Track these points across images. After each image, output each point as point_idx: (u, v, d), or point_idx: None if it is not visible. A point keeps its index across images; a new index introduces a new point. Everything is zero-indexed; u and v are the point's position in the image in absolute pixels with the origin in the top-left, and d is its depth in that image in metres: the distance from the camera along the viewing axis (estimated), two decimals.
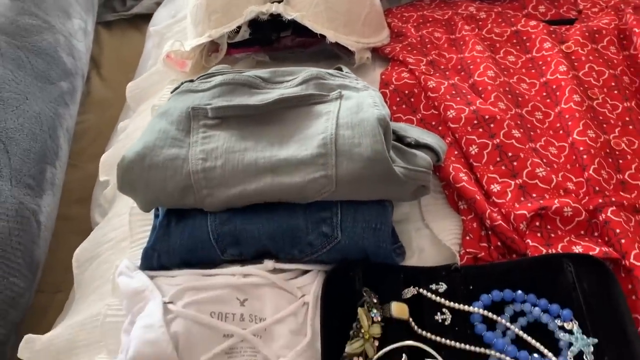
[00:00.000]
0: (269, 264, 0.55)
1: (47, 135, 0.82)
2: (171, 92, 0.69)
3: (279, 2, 0.78)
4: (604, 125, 0.71)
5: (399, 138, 0.62)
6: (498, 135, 0.67)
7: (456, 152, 0.67)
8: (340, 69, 0.74)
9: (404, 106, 0.74)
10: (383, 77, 0.78)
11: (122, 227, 0.68)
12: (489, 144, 0.66)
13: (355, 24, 0.79)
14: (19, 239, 0.71)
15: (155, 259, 0.56)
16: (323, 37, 0.77)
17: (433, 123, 0.72)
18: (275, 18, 0.78)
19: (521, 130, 0.70)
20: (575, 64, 0.78)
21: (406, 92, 0.75)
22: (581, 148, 0.67)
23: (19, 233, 0.72)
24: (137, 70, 1.05)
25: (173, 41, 0.83)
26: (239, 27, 0.79)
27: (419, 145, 0.61)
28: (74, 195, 0.98)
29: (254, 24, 0.79)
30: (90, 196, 0.91)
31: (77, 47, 1.01)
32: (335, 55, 0.81)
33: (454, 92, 0.72)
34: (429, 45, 0.82)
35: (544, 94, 0.75)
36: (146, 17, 1.25)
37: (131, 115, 0.91)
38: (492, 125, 0.68)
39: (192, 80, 0.70)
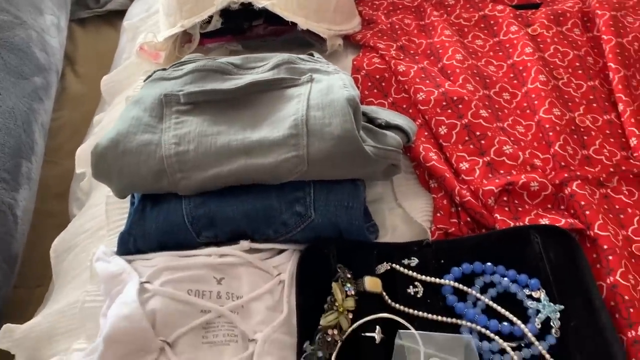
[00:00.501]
0: (245, 244, 0.56)
1: (22, 130, 0.82)
2: (144, 81, 0.69)
3: None
4: (569, 104, 0.73)
5: (370, 120, 0.63)
6: (466, 116, 0.69)
7: (426, 133, 0.69)
8: (312, 55, 0.75)
9: (375, 90, 0.75)
10: (355, 62, 0.79)
11: (99, 216, 0.68)
12: (458, 124, 0.68)
13: (326, 11, 0.80)
14: None
15: (132, 244, 0.57)
16: (295, 24, 0.78)
17: (404, 106, 0.73)
18: (247, 7, 0.79)
19: (489, 110, 0.71)
20: (541, 45, 0.80)
21: (377, 76, 0.76)
22: (547, 126, 0.69)
23: None
24: (112, 66, 1.05)
25: (146, 33, 0.84)
26: (211, 17, 0.79)
27: (389, 126, 0.63)
28: (52, 191, 0.98)
29: (226, 13, 0.80)
30: (68, 191, 0.91)
31: (50, 43, 1.01)
32: (307, 43, 0.83)
33: (423, 75, 0.74)
34: (399, 32, 0.84)
35: (511, 75, 0.77)
36: (120, 14, 1.24)
37: (107, 109, 0.91)
38: (460, 106, 0.69)
39: (164, 69, 0.70)
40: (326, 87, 0.60)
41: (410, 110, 0.73)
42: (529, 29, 0.82)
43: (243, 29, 0.81)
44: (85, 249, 0.66)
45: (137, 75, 0.86)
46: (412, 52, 0.80)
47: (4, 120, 0.79)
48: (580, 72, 0.77)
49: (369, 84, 0.76)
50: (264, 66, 0.67)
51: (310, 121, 0.56)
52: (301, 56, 0.68)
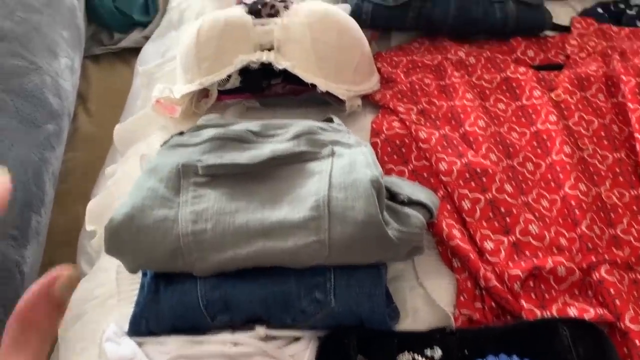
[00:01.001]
0: (261, 330, 0.54)
1: (32, 182, 0.80)
2: (160, 145, 0.68)
3: (270, 50, 0.78)
4: (595, 177, 0.71)
5: (392, 195, 0.61)
6: (490, 190, 0.67)
7: (449, 207, 0.67)
8: (331, 120, 0.73)
9: (395, 156, 0.74)
10: (374, 126, 0.77)
11: (109, 283, 0.66)
12: (482, 199, 0.66)
13: (346, 72, 0.78)
14: (1, 294, 0.69)
15: (144, 325, 0.55)
16: (314, 85, 0.76)
17: (425, 174, 0.72)
18: (266, 66, 0.78)
19: (513, 183, 0.70)
20: (565, 112, 0.78)
21: (397, 142, 0.74)
22: (573, 202, 0.67)
23: (1, 287, 0.69)
24: (124, 109, 1.04)
25: (163, 87, 0.83)
26: (230, 75, 0.78)
27: (411, 203, 0.61)
28: (59, 239, 0.96)
29: (245, 70, 0.79)
30: (76, 240, 0.89)
31: (63, 87, 1.00)
32: (325, 101, 0.81)
33: (445, 143, 0.72)
34: (419, 92, 0.82)
35: (535, 143, 0.76)
36: (134, 51, 1.24)
37: (119, 158, 0.90)
38: (484, 179, 0.67)
39: (181, 133, 0.69)
40: (348, 164, 0.58)
41: (432, 180, 0.71)
42: (552, 93, 0.81)
43: (262, 87, 0.80)
44: (93, 319, 0.64)
45: (152, 127, 0.85)
46: (432, 116, 0.78)
47: (15, 174, 0.77)
48: (605, 142, 0.75)
49: (389, 149, 0.74)
50: (284, 135, 0.65)
51: (332, 203, 0.54)
52: (321, 125, 0.66)
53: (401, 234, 0.55)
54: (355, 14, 0.90)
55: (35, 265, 0.82)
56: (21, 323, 0.27)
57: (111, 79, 1.27)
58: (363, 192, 0.54)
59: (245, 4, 0.85)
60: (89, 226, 0.76)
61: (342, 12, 0.81)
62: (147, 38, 1.25)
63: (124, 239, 0.55)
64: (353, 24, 0.81)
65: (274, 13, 0.83)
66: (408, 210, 0.59)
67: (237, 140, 0.64)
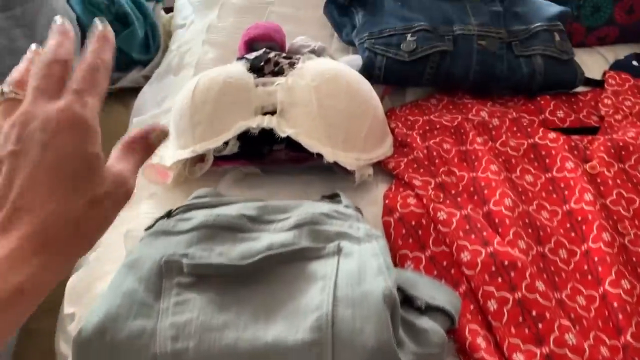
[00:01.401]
0: None
1: None
2: (145, 230, 0.60)
3: (272, 114, 0.70)
4: (639, 270, 0.62)
5: (407, 299, 0.53)
6: (520, 288, 0.58)
7: (472, 307, 0.58)
8: (338, 196, 0.66)
9: (410, 240, 0.65)
10: (387, 202, 0.69)
11: None
12: (510, 299, 0.57)
13: (355, 139, 0.70)
14: None
15: None
16: (319, 154, 0.69)
17: (445, 263, 0.63)
18: (268, 130, 0.70)
19: (545, 276, 0.61)
20: (602, 188, 0.70)
21: (413, 223, 0.66)
22: (615, 304, 0.58)
23: None
24: None
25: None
26: (227, 141, 0.70)
27: (429, 309, 0.53)
28: (43, 306, 0.88)
29: (244, 134, 0.71)
30: (57, 310, 0.81)
31: None
32: (332, 168, 0.73)
33: (467, 227, 0.64)
34: (437, 160, 0.74)
35: (568, 225, 0.67)
36: (134, 91, 1.17)
37: None
38: (512, 274, 0.59)
39: (169, 213, 0.61)
40: (357, 271, 0.50)
41: (453, 271, 0.62)
42: (586, 165, 0.72)
43: (262, 153, 0.72)
44: None
45: (141, 195, 0.77)
46: (453, 191, 0.70)
47: None
48: None
49: (403, 231, 0.66)
50: (284, 222, 0.57)
51: (337, 323, 0.46)
52: (327, 210, 0.58)
53: (418, 358, 0.47)
54: (368, 69, 0.82)
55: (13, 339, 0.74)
56: (124, 147, 0.36)
57: (107, 123, 1.18)
58: (374, 310, 0.46)
59: (246, 59, 0.78)
60: (67, 308, 0.69)
61: (352, 72, 0.74)
62: (147, 77, 1.19)
63: (94, 354, 0.47)
64: (364, 84, 0.74)
65: (278, 71, 0.76)
66: (425, 323, 0.51)
67: (229, 229, 0.56)
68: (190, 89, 0.72)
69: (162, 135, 0.37)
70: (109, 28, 0.37)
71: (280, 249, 0.53)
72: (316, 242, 0.54)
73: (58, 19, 0.36)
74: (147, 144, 0.37)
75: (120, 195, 0.33)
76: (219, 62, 0.94)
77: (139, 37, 1.23)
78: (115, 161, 0.35)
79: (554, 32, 0.85)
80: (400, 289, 0.53)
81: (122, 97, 1.25)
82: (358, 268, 0.50)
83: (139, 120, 0.92)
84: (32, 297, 0.29)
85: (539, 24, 0.86)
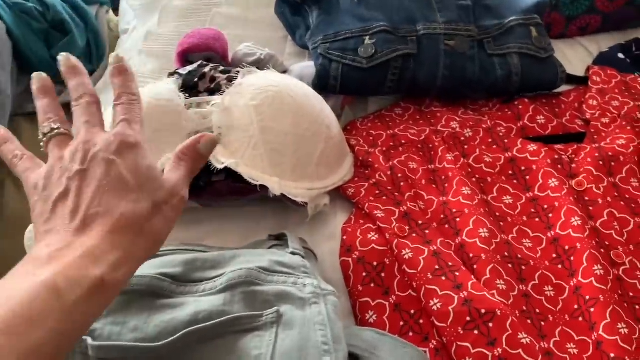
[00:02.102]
0: None
1: None
2: None
3: None
4: (637, 307, 0.54)
5: None
6: (500, 342, 0.49)
7: None
8: (284, 237, 0.56)
9: (372, 285, 0.56)
10: (345, 237, 0.60)
11: None
12: (489, 357, 0.48)
13: (306, 166, 0.61)
14: None
15: None
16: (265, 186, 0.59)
17: (412, 312, 0.54)
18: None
19: (529, 322, 0.52)
20: (591, 208, 0.61)
21: (375, 263, 0.57)
22: (612, 355, 0.49)
23: None
24: None
25: None
26: None
27: None
28: None
29: None
30: None
31: None
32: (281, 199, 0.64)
33: (437, 266, 0.55)
34: (402, 183, 0.65)
35: (554, 255, 0.58)
36: None
37: None
38: (490, 325, 0.50)
39: None
40: (298, 348, 0.41)
41: (422, 321, 0.53)
42: (572, 181, 0.63)
43: (200, 186, 0.62)
44: None
45: None
46: (420, 221, 0.60)
47: None
48: None
49: (364, 274, 0.56)
50: (215, 281, 0.48)
51: None
52: (267, 264, 0.48)
53: None
54: (322, 78, 0.72)
55: None
56: (176, 158, 0.41)
57: None
58: None
59: (179, 74, 0.68)
60: None
61: (300, 87, 0.64)
62: None
63: None
64: (314, 100, 0.64)
65: (214, 88, 0.65)
66: None
67: (149, 295, 0.46)
68: (108, 122, 0.61)
69: (211, 143, 0.42)
70: (125, 60, 0.43)
71: (206, 322, 0.43)
72: (251, 307, 0.45)
73: (62, 57, 0.44)
74: (196, 154, 0.41)
75: (176, 202, 0.38)
76: (158, 74, 0.84)
77: (79, 46, 1.11)
78: (170, 172, 0.40)
79: (531, 27, 0.75)
80: (351, 354, 0.44)
81: (67, 110, 1.14)
82: (299, 345, 0.41)
83: None
84: (110, 290, 0.33)
85: (513, 17, 0.76)
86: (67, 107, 0.45)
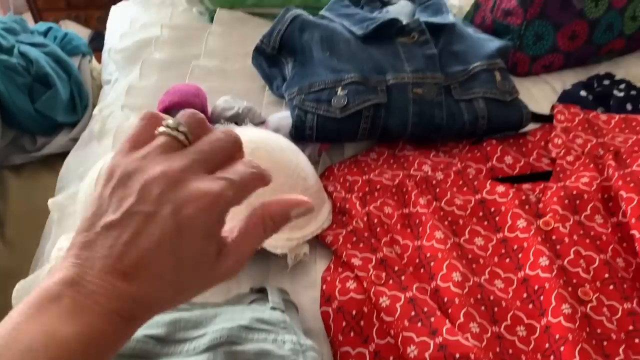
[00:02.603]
0: None
1: None
2: None
3: None
4: (604, 343, 0.56)
5: None
6: None
7: None
8: (264, 291, 0.58)
9: (352, 334, 0.58)
10: (324, 287, 0.62)
11: None
12: None
13: None
14: None
15: None
16: None
17: (391, 359, 0.56)
18: None
19: None
20: (558, 247, 0.64)
21: (354, 312, 0.59)
22: None
23: None
24: (38, 249, 0.88)
25: (65, 237, 0.68)
26: None
27: None
28: None
29: None
30: None
31: None
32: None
33: (413, 313, 0.57)
34: (378, 229, 0.67)
35: (525, 295, 0.60)
36: (63, 155, 1.08)
37: None
38: None
39: None
40: None
41: None
42: (540, 221, 0.66)
43: None
44: None
45: None
46: (396, 267, 0.63)
47: None
48: (611, 287, 0.60)
49: (344, 323, 0.58)
50: (198, 340, 0.49)
51: None
52: (248, 321, 0.50)
53: None
54: (298, 129, 0.75)
55: None
56: (258, 220, 0.34)
57: (34, 194, 1.10)
58: None
59: None
60: None
61: (276, 141, 0.67)
62: (75, 140, 1.10)
63: None
64: (290, 153, 0.67)
65: None
66: None
67: (133, 357, 0.48)
68: (94, 177, 0.64)
69: (306, 212, 0.36)
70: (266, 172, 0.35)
71: None
72: None
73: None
74: (284, 221, 0.35)
75: (229, 276, 0.33)
76: None
77: (62, 99, 1.14)
78: (241, 237, 0.33)
79: (495, 72, 0.79)
80: None
81: (51, 162, 1.16)
82: None
83: (55, 203, 0.84)
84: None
85: (478, 63, 0.80)
86: None
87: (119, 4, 1.37)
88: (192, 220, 0.30)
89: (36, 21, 2.44)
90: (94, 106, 1.21)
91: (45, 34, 1.26)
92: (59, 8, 2.43)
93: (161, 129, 0.32)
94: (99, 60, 1.35)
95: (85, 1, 2.40)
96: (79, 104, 1.18)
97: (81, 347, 0.27)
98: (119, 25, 1.23)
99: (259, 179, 0.34)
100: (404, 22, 0.83)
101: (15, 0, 2.63)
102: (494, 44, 0.84)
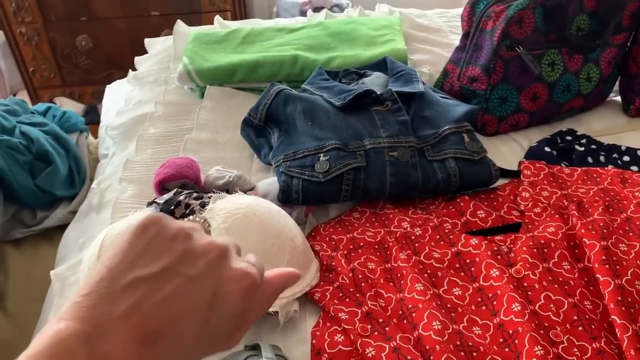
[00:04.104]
0: None
1: None
2: None
3: None
4: None
5: None
6: None
7: None
8: (258, 348, 0.62)
9: None
10: (314, 341, 0.66)
11: None
12: None
13: None
14: None
15: None
16: None
17: None
18: None
19: None
20: (529, 293, 0.69)
21: None
22: None
23: None
24: (40, 318, 0.91)
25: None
26: None
27: None
28: None
29: None
30: None
31: None
32: None
33: None
34: (363, 284, 0.72)
35: (501, 340, 0.65)
36: (62, 227, 1.13)
37: None
38: None
39: None
40: None
41: None
42: (512, 269, 0.71)
43: None
44: None
45: None
46: (381, 319, 0.67)
47: None
48: (580, 328, 0.65)
49: None
50: None
51: None
52: None
53: None
54: (285, 193, 0.81)
55: None
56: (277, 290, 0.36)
57: (34, 267, 1.14)
58: None
59: (157, 203, 0.76)
60: None
61: (264, 206, 0.72)
62: (74, 212, 1.15)
63: None
64: (278, 217, 0.72)
65: (189, 214, 0.73)
66: None
67: None
68: (97, 246, 0.69)
69: (293, 283, 0.39)
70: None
71: None
72: None
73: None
74: (274, 289, 0.37)
75: (233, 346, 0.34)
76: (137, 199, 0.92)
77: (62, 174, 1.20)
78: (252, 313, 0.34)
79: (463, 134, 0.87)
80: None
81: (50, 235, 1.21)
82: None
83: (56, 274, 0.88)
84: None
85: (447, 127, 0.87)
86: None
87: (113, 83, 1.47)
88: (230, 298, 0.31)
89: (32, 98, 2.55)
90: (91, 179, 1.28)
91: (44, 113, 1.34)
92: (54, 85, 2.54)
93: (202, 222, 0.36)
94: (94, 133, 1.43)
95: (79, 78, 2.52)
96: (77, 178, 1.23)
97: None
98: (115, 102, 1.31)
99: (262, 272, 0.36)
100: (378, 93, 0.91)
101: (11, 79, 2.74)
102: (461, 108, 0.92)
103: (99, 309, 0.27)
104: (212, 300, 0.30)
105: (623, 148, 0.96)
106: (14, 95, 2.68)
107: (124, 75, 1.39)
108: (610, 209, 0.79)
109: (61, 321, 0.27)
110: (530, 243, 0.74)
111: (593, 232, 0.73)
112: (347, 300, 0.70)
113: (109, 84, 1.48)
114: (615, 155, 0.95)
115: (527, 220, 0.80)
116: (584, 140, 0.99)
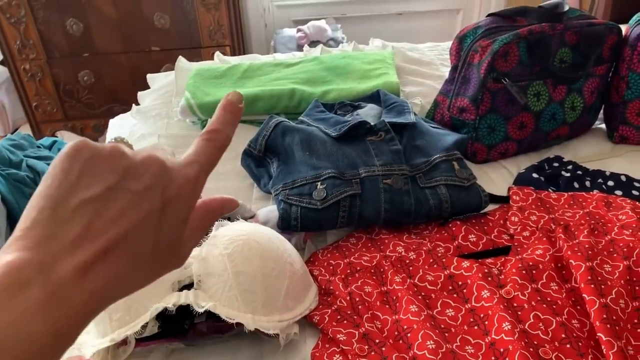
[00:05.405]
0: None
1: None
2: None
3: (189, 286, 0.71)
4: None
5: None
6: None
7: None
8: None
9: None
10: None
11: None
12: None
13: (275, 301, 0.71)
14: None
15: None
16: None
17: None
18: (186, 306, 0.70)
19: None
20: (519, 313, 0.72)
21: None
22: None
23: None
24: None
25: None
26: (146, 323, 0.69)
27: None
28: None
29: (163, 314, 0.70)
30: None
31: None
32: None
33: None
34: (360, 307, 0.75)
35: (493, 358, 0.68)
36: None
37: None
38: None
39: None
40: None
41: None
42: (502, 290, 0.75)
43: (184, 328, 0.71)
44: None
45: None
46: (377, 340, 0.70)
47: None
48: (568, 345, 0.68)
49: None
50: None
51: None
52: None
53: None
54: (284, 220, 0.85)
55: None
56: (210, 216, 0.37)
57: None
58: None
59: None
60: None
61: (264, 233, 0.76)
62: None
63: None
64: (277, 242, 0.76)
65: None
66: None
67: None
68: None
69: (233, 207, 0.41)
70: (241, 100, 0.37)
71: None
72: None
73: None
74: (214, 214, 0.38)
75: (179, 265, 0.34)
76: None
77: None
78: (195, 230, 0.34)
79: (453, 162, 0.91)
80: None
81: None
82: None
83: None
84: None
85: (438, 155, 0.92)
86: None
87: (116, 117, 1.51)
88: (178, 201, 0.31)
89: (34, 132, 2.60)
90: None
91: (50, 147, 1.38)
92: (56, 119, 2.59)
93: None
94: None
95: (81, 112, 2.57)
96: None
97: (52, 343, 0.25)
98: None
99: (218, 146, 0.35)
100: (372, 123, 0.96)
101: (14, 114, 2.80)
102: (451, 137, 0.96)
103: (48, 237, 0.27)
104: (161, 208, 0.30)
105: (607, 173, 1.01)
106: (17, 129, 2.74)
107: (125, 109, 1.44)
108: (596, 232, 0.83)
109: (7, 254, 0.26)
110: (520, 265, 0.77)
111: (579, 253, 0.77)
112: (345, 322, 0.73)
113: (110, 117, 1.52)
114: (600, 180, 0.99)
115: (516, 244, 0.84)
116: (570, 167, 1.03)
